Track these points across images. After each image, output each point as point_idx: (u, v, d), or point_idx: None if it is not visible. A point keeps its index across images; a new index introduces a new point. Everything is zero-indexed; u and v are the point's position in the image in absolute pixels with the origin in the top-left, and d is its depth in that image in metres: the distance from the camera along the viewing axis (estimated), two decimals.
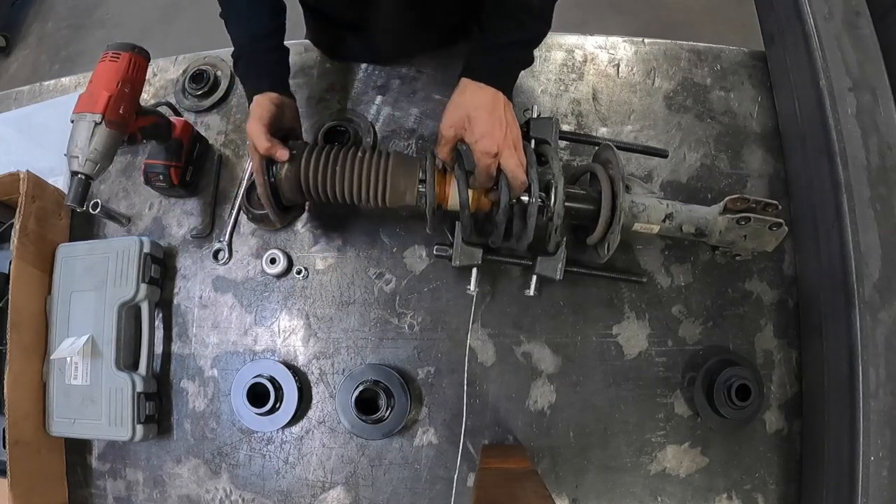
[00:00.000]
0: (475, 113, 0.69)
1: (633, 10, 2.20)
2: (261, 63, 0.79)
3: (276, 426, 0.84)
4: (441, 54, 0.95)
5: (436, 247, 0.80)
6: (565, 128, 0.90)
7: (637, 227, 0.77)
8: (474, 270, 0.80)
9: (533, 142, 0.79)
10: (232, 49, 0.79)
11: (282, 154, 0.75)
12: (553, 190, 0.72)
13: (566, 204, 0.74)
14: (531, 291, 0.80)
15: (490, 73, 0.71)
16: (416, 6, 0.81)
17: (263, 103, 0.76)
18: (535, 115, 0.80)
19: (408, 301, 0.87)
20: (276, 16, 0.80)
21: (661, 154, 0.84)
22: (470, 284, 0.80)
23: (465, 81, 0.72)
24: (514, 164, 0.69)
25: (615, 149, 0.77)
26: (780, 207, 0.76)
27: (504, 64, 0.73)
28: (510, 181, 0.70)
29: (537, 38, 0.76)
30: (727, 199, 0.76)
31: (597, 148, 0.82)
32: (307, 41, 0.98)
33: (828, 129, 0.76)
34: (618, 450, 0.82)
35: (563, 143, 0.88)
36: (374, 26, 0.86)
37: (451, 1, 0.85)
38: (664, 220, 0.77)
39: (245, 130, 0.96)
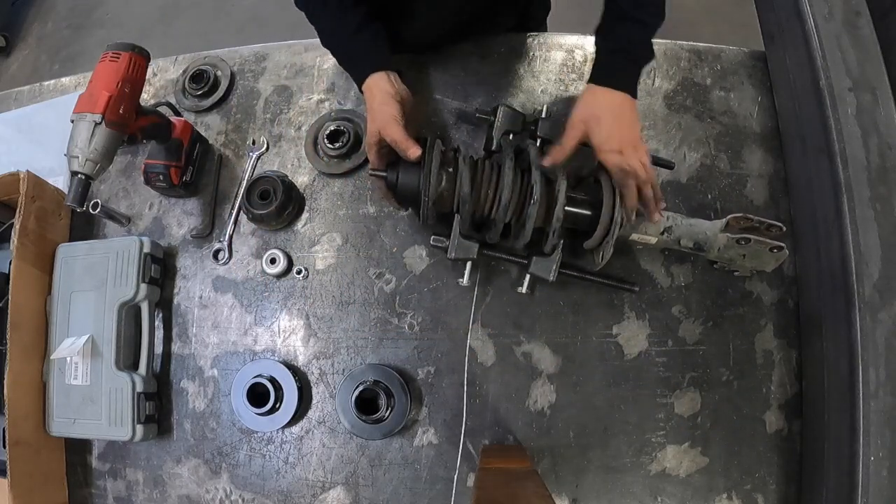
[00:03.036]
0: (602, 113, 0.72)
1: None
2: (354, 47, 0.78)
3: (276, 426, 0.84)
4: (442, 52, 0.95)
5: (433, 237, 0.80)
6: None
7: (635, 237, 0.77)
8: (468, 264, 0.80)
9: (539, 141, 0.79)
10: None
11: (414, 152, 0.74)
12: (555, 193, 0.72)
13: (566, 208, 0.74)
14: (523, 289, 0.81)
15: (614, 77, 0.73)
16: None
17: (380, 86, 0.76)
18: (544, 115, 0.80)
19: (408, 301, 0.87)
20: None
21: (668, 165, 0.84)
22: (462, 278, 0.81)
23: (591, 87, 0.74)
24: (637, 163, 0.71)
25: None
26: (783, 230, 0.75)
27: (626, 66, 0.74)
28: (638, 180, 0.71)
29: (654, 31, 0.76)
30: (730, 216, 0.75)
31: None
32: (307, 41, 0.98)
33: (828, 129, 0.76)
34: (618, 450, 0.82)
35: None
36: (411, 14, 0.86)
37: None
38: (662, 233, 0.77)
39: (245, 130, 0.96)
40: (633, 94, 0.74)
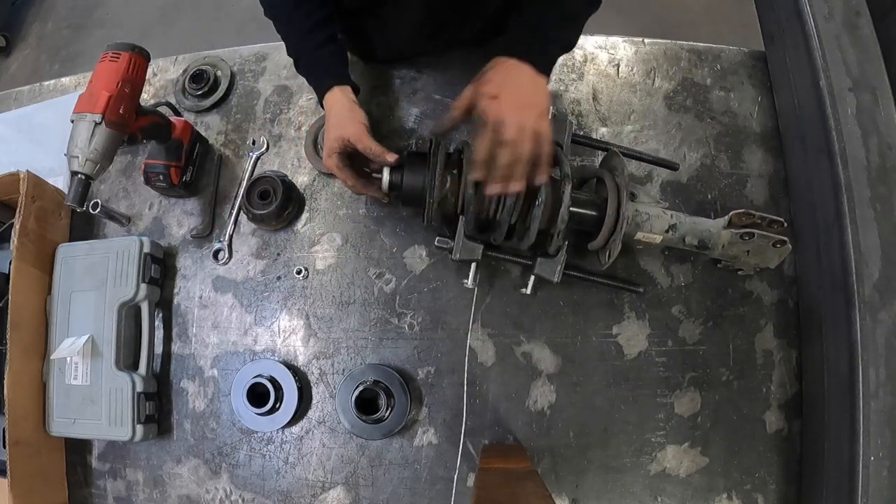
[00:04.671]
0: (491, 70, 0.70)
1: (633, 10, 2.19)
2: (320, 60, 0.80)
3: (276, 426, 0.84)
4: (444, 54, 0.95)
5: (437, 239, 0.80)
6: None
7: (639, 236, 0.77)
8: (473, 265, 0.80)
9: None
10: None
11: (392, 156, 0.76)
12: (561, 194, 0.72)
13: (570, 209, 0.74)
14: (528, 290, 0.81)
15: (517, 50, 0.71)
16: (434, 9, 0.82)
17: (346, 98, 0.78)
18: (549, 116, 0.80)
19: (408, 301, 0.87)
20: (324, 4, 0.80)
21: (672, 167, 0.83)
22: (467, 279, 0.81)
23: (494, 59, 0.72)
24: (512, 119, 0.65)
25: (622, 156, 0.77)
26: (785, 225, 0.76)
27: (533, 43, 0.72)
28: (491, 125, 0.67)
29: (573, 17, 0.74)
30: (732, 213, 0.75)
31: (604, 153, 0.82)
32: None
33: (828, 129, 0.76)
34: (618, 450, 0.82)
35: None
36: (392, 22, 0.87)
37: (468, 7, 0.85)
38: (667, 231, 0.77)
39: (245, 130, 0.96)
40: (539, 70, 0.70)
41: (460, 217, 0.76)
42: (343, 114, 0.78)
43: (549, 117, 0.71)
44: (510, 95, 0.67)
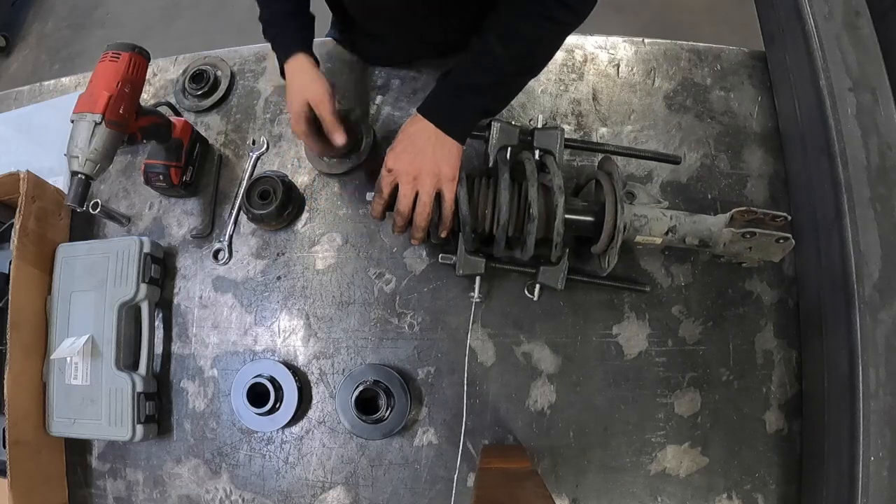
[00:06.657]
0: (400, 135, 0.72)
1: (633, 10, 2.20)
2: (291, 26, 0.79)
3: (276, 426, 0.84)
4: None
5: (441, 255, 0.81)
6: (566, 128, 0.90)
7: (639, 239, 0.77)
8: (478, 279, 0.81)
9: (537, 153, 0.78)
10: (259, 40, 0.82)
11: (340, 137, 0.76)
12: (554, 206, 0.72)
13: (567, 216, 0.74)
14: (535, 297, 0.82)
15: (431, 110, 0.71)
16: (420, 15, 0.82)
17: (310, 64, 0.77)
18: (539, 126, 0.80)
19: (408, 301, 0.87)
20: None
21: (674, 161, 0.83)
22: (473, 292, 0.82)
23: (413, 115, 0.73)
24: (406, 189, 0.70)
25: (613, 160, 0.77)
26: (788, 219, 0.75)
27: (448, 104, 0.72)
28: (399, 206, 0.72)
29: (493, 87, 0.72)
30: (734, 210, 0.75)
31: (601, 157, 0.82)
32: None
33: (828, 129, 0.76)
34: (618, 450, 0.82)
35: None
36: (382, 35, 0.87)
37: (457, 15, 0.84)
38: (666, 234, 0.77)
39: (245, 130, 0.96)
40: (455, 137, 0.71)
41: (459, 234, 0.77)
42: (307, 78, 0.76)
43: (455, 180, 0.72)
44: (406, 166, 0.70)
